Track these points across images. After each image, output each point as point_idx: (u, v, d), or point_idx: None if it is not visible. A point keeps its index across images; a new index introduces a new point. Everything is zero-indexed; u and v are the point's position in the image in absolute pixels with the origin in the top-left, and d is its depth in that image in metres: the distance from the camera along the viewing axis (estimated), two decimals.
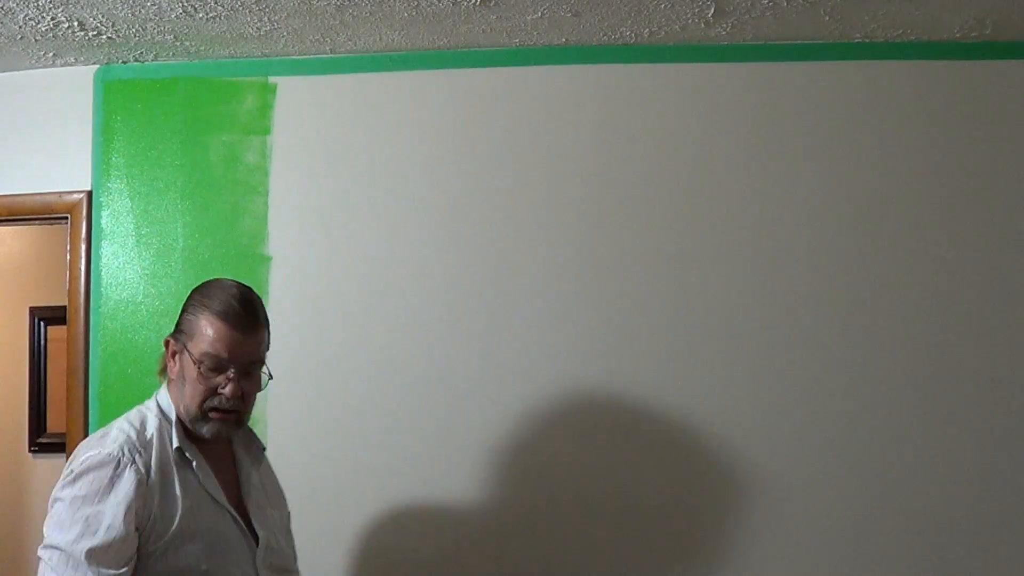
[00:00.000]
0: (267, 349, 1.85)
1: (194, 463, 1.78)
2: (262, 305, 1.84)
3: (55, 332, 4.03)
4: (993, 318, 2.46)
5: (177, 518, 1.71)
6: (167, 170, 2.65)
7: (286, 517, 2.01)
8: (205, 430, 1.78)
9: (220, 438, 1.81)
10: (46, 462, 4.01)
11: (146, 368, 2.59)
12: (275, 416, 2.53)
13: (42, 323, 4.12)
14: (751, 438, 2.46)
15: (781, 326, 2.48)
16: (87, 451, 1.73)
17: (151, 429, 1.77)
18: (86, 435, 2.59)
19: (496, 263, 2.55)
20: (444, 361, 2.54)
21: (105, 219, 2.65)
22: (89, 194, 2.66)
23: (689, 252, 2.52)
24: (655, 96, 2.56)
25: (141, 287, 2.63)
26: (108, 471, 1.67)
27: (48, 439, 4.04)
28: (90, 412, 2.60)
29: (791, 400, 2.47)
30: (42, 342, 4.13)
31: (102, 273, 2.64)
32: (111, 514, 1.64)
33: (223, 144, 2.63)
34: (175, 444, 1.76)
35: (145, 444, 1.73)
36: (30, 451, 4.09)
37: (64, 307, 2.67)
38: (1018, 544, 2.41)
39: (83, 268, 2.64)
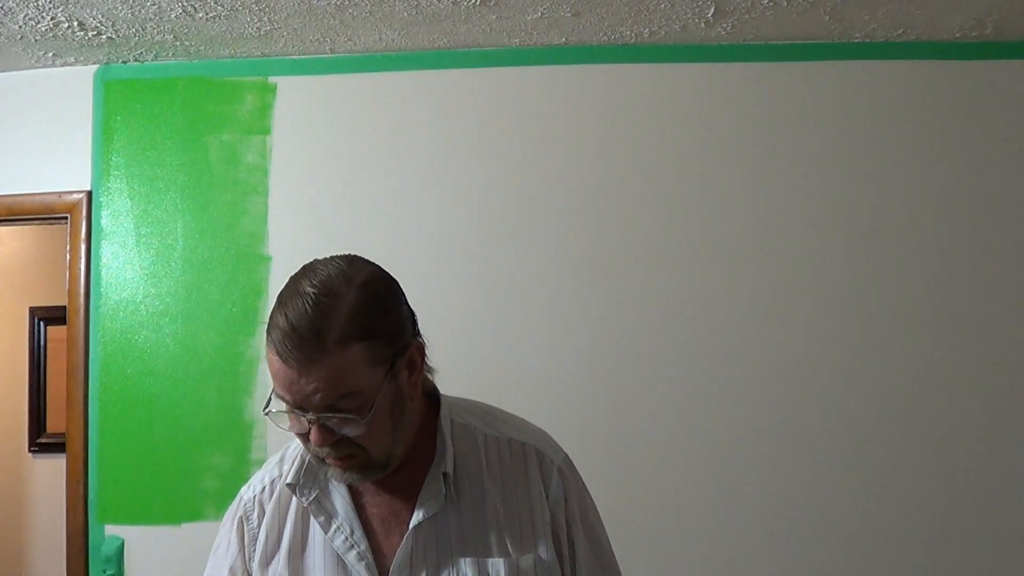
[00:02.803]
0: (381, 365, 1.21)
1: (310, 508, 1.30)
2: (346, 313, 1.17)
3: (55, 332, 4.03)
4: (994, 316, 2.46)
5: None
6: (167, 170, 2.65)
7: (507, 565, 1.26)
8: (330, 475, 1.29)
9: (356, 483, 1.29)
10: (46, 462, 4.01)
11: (146, 368, 2.59)
12: None
13: (42, 323, 4.11)
14: (750, 436, 2.47)
15: (781, 323, 2.48)
16: None
17: (288, 460, 1.36)
18: (86, 435, 2.60)
19: (496, 262, 2.55)
20: (444, 360, 2.53)
21: (105, 219, 2.65)
22: (89, 194, 2.65)
23: (689, 250, 2.52)
24: (655, 96, 2.56)
25: (141, 287, 2.63)
26: (226, 517, 1.37)
27: (48, 439, 4.03)
28: (90, 412, 2.60)
29: (792, 398, 2.47)
30: (42, 342, 4.13)
31: (102, 273, 2.64)
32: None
33: (223, 144, 2.63)
34: (288, 479, 1.32)
35: (275, 477, 1.36)
36: (30, 451, 4.09)
37: (64, 307, 2.67)
38: (1018, 544, 2.41)
39: (83, 268, 2.64)
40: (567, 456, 1.38)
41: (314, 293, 1.17)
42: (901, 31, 2.47)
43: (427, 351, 1.30)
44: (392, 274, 1.28)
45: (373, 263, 1.27)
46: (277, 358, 1.16)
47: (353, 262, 1.25)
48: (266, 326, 1.20)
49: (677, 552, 2.45)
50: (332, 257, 1.25)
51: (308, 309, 1.16)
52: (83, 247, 2.65)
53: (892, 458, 2.44)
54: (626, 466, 2.47)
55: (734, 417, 2.47)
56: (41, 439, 4.09)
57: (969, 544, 2.41)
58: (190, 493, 2.55)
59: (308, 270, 1.23)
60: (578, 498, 1.36)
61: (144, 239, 2.64)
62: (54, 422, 4.03)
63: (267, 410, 1.22)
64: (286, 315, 1.17)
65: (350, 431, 1.19)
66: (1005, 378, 2.45)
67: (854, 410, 2.46)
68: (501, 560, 1.26)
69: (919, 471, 2.43)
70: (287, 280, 1.23)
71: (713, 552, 2.45)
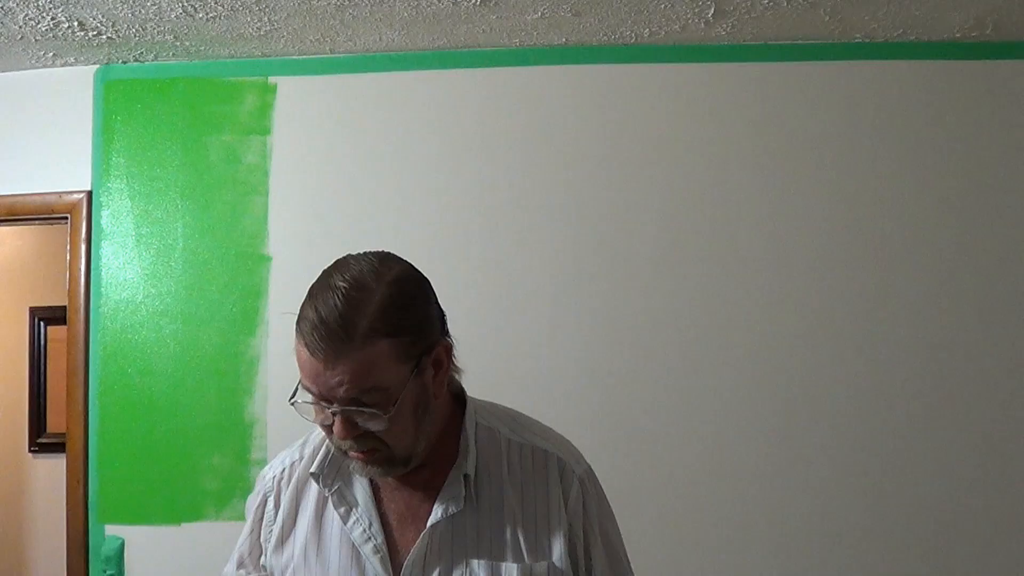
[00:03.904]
0: (406, 362, 1.21)
1: (332, 498, 1.31)
2: (374, 309, 1.19)
3: (55, 332, 4.03)
4: (994, 316, 2.46)
5: (289, 570, 1.32)
6: (167, 170, 2.65)
7: (520, 570, 1.27)
8: (352, 468, 1.29)
9: (376, 477, 1.30)
10: (46, 462, 4.01)
11: (146, 368, 2.59)
12: (275, 418, 2.53)
13: (42, 323, 4.11)
14: (752, 438, 2.47)
15: (781, 324, 2.48)
16: None
17: (311, 445, 1.39)
18: (86, 435, 2.60)
19: (496, 263, 2.55)
20: None
21: (105, 219, 2.65)
22: (89, 194, 2.65)
23: (689, 250, 2.52)
24: (655, 96, 2.56)
25: (141, 287, 2.63)
26: (252, 499, 1.41)
27: (48, 439, 4.03)
28: (90, 412, 2.60)
29: (795, 399, 2.47)
30: (42, 342, 4.13)
31: (102, 273, 2.64)
32: (232, 556, 1.38)
33: (223, 144, 2.63)
34: (313, 467, 1.33)
35: (295, 460, 1.39)
36: (30, 451, 4.09)
37: (64, 307, 2.67)
38: (1018, 544, 2.41)
39: (83, 268, 2.64)
40: (589, 467, 1.38)
41: (344, 287, 1.19)
42: (901, 31, 2.47)
43: (455, 351, 1.31)
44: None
45: (405, 261, 1.29)
46: (305, 349, 1.18)
47: (385, 259, 1.26)
48: (297, 320, 1.20)
49: (678, 553, 2.45)
50: (365, 253, 1.26)
51: (338, 303, 1.17)
52: (83, 247, 2.65)
53: (894, 460, 2.44)
54: (627, 467, 2.47)
55: (735, 419, 2.47)
56: (41, 439, 4.09)
57: (970, 545, 2.41)
58: (190, 493, 2.55)
59: (340, 264, 1.24)
60: (598, 509, 1.36)
61: (144, 239, 2.64)
62: (54, 422, 4.03)
63: (293, 400, 1.23)
64: (316, 308, 1.18)
65: (373, 426, 1.20)
66: (1009, 379, 2.44)
67: (857, 412, 2.45)
68: (515, 565, 1.27)
69: (921, 473, 2.43)
70: (319, 274, 1.24)
71: (714, 554, 2.45)
